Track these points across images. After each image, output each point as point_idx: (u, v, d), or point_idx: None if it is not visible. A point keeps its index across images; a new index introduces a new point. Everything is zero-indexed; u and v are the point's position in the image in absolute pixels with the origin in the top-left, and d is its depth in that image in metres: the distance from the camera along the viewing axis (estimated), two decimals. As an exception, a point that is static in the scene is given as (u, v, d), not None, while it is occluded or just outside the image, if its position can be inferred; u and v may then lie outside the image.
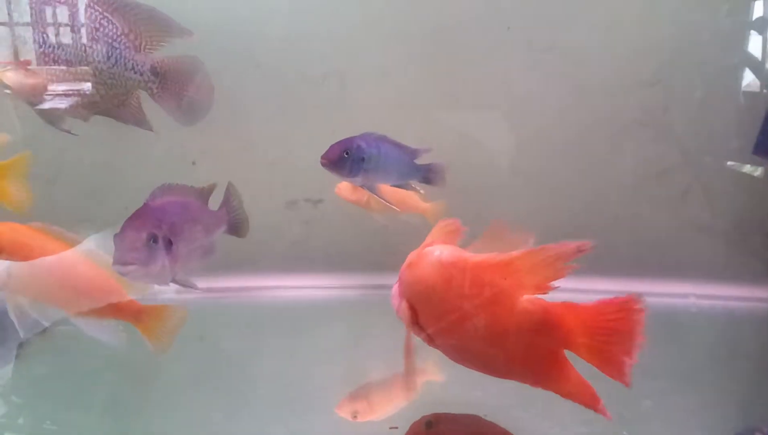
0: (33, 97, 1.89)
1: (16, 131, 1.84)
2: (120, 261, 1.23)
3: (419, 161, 1.53)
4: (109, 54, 1.56)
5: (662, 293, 2.00)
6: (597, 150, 2.00)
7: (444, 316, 1.10)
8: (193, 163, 1.92)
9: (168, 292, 1.92)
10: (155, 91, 1.52)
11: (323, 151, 1.47)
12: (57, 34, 1.66)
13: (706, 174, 2.02)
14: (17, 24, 1.99)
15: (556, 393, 1.06)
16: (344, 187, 1.68)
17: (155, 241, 1.27)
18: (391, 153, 1.47)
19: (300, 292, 1.74)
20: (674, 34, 1.94)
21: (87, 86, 1.59)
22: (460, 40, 1.90)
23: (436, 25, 1.89)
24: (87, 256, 1.38)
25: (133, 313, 1.37)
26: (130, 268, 1.24)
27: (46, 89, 1.93)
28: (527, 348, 1.05)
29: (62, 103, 1.58)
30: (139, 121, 1.56)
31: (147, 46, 1.54)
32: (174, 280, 1.37)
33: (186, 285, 1.40)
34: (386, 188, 1.60)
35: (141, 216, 1.31)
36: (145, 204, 1.35)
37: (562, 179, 2.01)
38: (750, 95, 1.98)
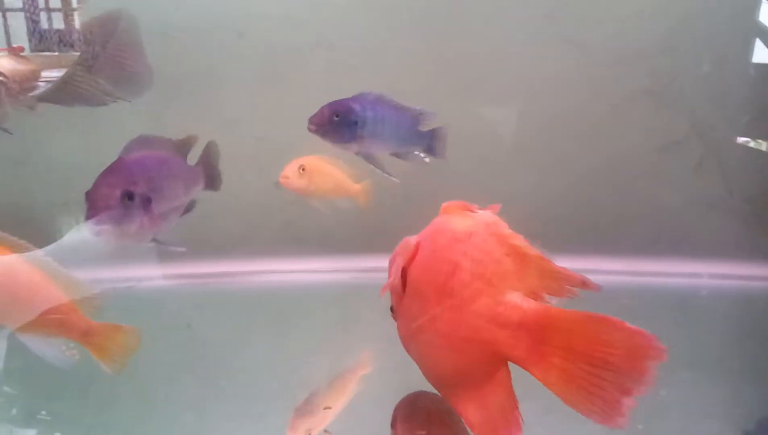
0: (26, 83, 1.85)
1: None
2: (93, 220, 1.15)
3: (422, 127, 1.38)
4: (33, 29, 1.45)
5: (673, 273, 1.95)
6: (603, 121, 1.95)
7: (440, 271, 0.99)
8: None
9: (156, 279, 1.86)
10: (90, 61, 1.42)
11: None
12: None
13: (718, 147, 1.93)
14: (8, 10, 1.94)
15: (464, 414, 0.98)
16: (291, 174, 1.58)
17: (131, 198, 1.18)
18: (390, 116, 1.33)
19: (290, 276, 1.69)
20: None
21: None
22: (456, 6, 1.80)
23: None
24: (32, 261, 1.19)
25: (81, 332, 1.20)
26: (104, 227, 1.15)
27: (39, 76, 1.88)
28: (485, 343, 0.94)
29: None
30: (91, 97, 1.46)
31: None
32: (155, 240, 1.30)
33: (169, 245, 1.33)
34: (326, 176, 1.55)
35: (115, 171, 1.21)
36: (119, 158, 1.25)
37: (567, 153, 1.95)
38: (760, 67, 1.91)
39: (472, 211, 1.06)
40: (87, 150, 1.86)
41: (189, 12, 1.80)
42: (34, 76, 1.93)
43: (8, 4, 1.98)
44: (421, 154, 1.38)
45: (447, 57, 1.86)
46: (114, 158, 1.26)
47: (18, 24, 1.98)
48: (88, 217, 1.15)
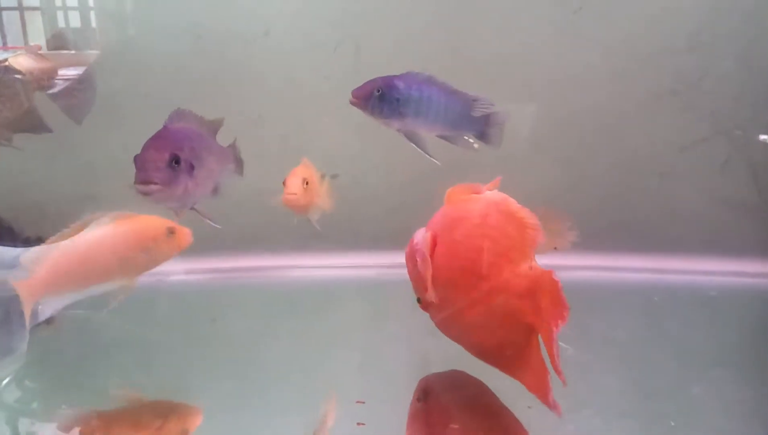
0: (44, 81, 1.87)
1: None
2: (143, 180, 1.20)
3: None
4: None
5: (701, 271, 1.92)
6: (630, 118, 1.93)
7: (462, 255, 1.07)
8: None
9: (178, 274, 1.87)
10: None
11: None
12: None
13: (745, 145, 1.90)
14: (26, 9, 1.96)
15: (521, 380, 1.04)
16: (298, 189, 1.53)
17: (177, 162, 1.24)
18: (438, 98, 1.30)
19: (315, 271, 1.68)
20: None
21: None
22: (483, 4, 1.79)
23: None
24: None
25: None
26: (153, 187, 1.21)
27: (56, 74, 1.91)
28: (503, 322, 1.03)
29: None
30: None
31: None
32: (194, 208, 1.36)
33: (206, 216, 1.38)
34: (317, 186, 1.52)
35: (163, 136, 1.29)
36: (164, 126, 1.33)
37: (593, 150, 1.94)
38: None
39: (478, 192, 1.11)
40: (115, 146, 1.88)
41: (215, 10, 1.81)
42: (52, 73, 1.96)
43: (26, 3, 2.01)
44: (470, 140, 1.35)
45: (473, 55, 1.86)
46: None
47: (35, 22, 2.01)
48: (137, 180, 1.21)
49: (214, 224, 1.37)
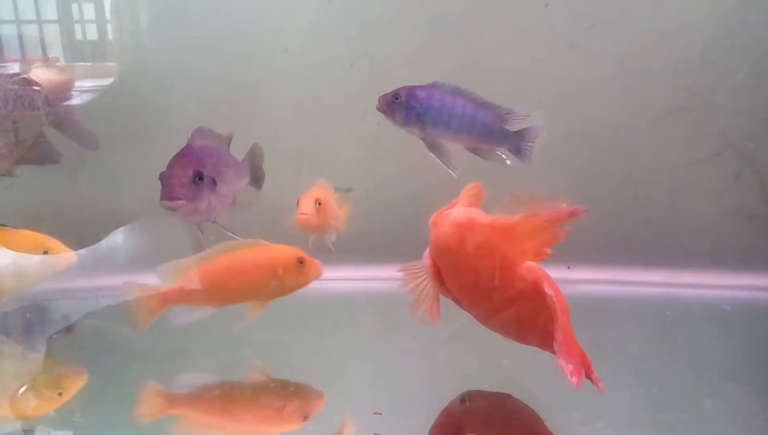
0: (61, 93, 1.91)
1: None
2: (168, 196, 1.27)
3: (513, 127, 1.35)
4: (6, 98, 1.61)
5: (713, 284, 1.92)
6: (642, 133, 1.94)
7: (460, 276, 1.15)
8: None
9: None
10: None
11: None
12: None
13: (758, 159, 1.90)
14: (44, 22, 2.00)
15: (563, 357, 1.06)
16: (310, 211, 1.55)
17: (200, 178, 1.31)
18: (463, 108, 1.32)
19: (329, 284, 1.69)
20: (723, 12, 1.85)
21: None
22: (495, 19, 1.81)
23: (470, 3, 1.82)
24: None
25: None
26: (179, 203, 1.27)
27: (73, 85, 1.94)
28: (527, 313, 1.09)
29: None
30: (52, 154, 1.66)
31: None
32: (216, 222, 1.42)
33: (227, 229, 1.44)
34: (332, 207, 1.56)
35: (187, 154, 1.36)
36: (187, 144, 1.39)
37: (605, 164, 1.96)
38: None
39: (452, 209, 1.17)
40: (134, 162, 1.92)
41: (236, 28, 1.85)
42: (69, 85, 2.00)
43: (43, 16, 2.05)
44: (503, 156, 1.37)
45: (487, 69, 1.88)
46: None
47: (53, 35, 2.05)
48: (163, 196, 1.27)
49: (235, 237, 1.40)
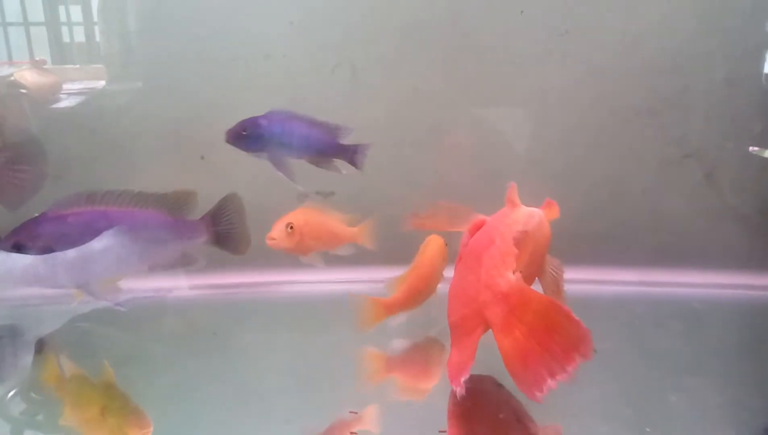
0: (48, 95, 1.91)
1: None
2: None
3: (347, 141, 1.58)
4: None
5: (684, 283, 1.99)
6: (614, 135, 2.00)
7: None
8: (202, 158, 1.91)
9: (184, 290, 1.93)
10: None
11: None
12: None
13: (729, 159, 1.98)
14: (32, 24, 2.00)
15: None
16: (278, 235, 1.65)
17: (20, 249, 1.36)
18: (300, 130, 1.55)
19: (312, 286, 1.73)
20: (694, 17, 1.91)
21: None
22: (472, 26, 1.86)
23: (448, 11, 1.89)
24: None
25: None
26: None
27: (61, 88, 1.95)
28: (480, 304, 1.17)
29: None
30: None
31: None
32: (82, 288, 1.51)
33: (95, 296, 1.51)
34: (317, 229, 1.66)
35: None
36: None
37: (578, 166, 2.01)
38: None
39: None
40: (121, 166, 1.94)
41: (220, 35, 1.87)
42: (56, 88, 2.00)
43: (31, 18, 2.05)
44: (340, 167, 1.61)
45: (466, 75, 1.94)
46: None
47: (40, 37, 2.06)
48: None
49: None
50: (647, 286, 1.97)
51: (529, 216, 1.34)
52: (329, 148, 1.57)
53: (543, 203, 1.46)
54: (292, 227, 1.63)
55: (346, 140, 1.58)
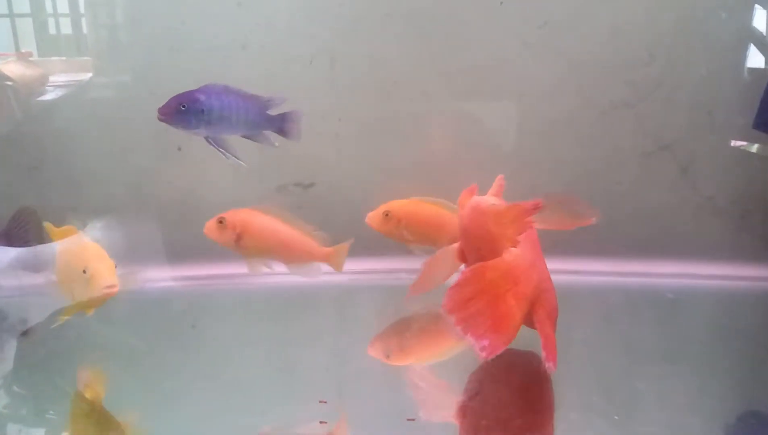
0: (35, 88, 1.90)
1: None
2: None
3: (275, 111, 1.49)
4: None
5: (660, 273, 2.01)
6: (592, 128, 2.01)
7: (468, 249, 1.50)
8: (179, 149, 1.90)
9: (163, 281, 1.92)
10: None
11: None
12: None
13: (706, 151, 2.00)
14: (17, 15, 1.99)
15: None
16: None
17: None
18: (236, 103, 1.44)
19: (290, 278, 1.73)
20: (674, 7, 1.92)
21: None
22: (451, 18, 1.86)
23: (427, 1, 1.90)
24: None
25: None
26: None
27: (47, 80, 1.94)
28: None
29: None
30: None
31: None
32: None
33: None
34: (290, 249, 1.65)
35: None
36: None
37: (557, 158, 2.02)
38: (755, 71, 1.97)
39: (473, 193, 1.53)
40: (97, 158, 1.93)
41: (196, 24, 1.86)
42: (42, 80, 1.99)
43: (16, 9, 2.03)
44: (272, 139, 1.51)
45: (446, 67, 1.94)
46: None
47: (26, 29, 2.03)
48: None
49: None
50: (623, 277, 1.99)
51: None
52: (260, 120, 1.47)
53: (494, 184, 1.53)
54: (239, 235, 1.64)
55: (279, 110, 1.49)
